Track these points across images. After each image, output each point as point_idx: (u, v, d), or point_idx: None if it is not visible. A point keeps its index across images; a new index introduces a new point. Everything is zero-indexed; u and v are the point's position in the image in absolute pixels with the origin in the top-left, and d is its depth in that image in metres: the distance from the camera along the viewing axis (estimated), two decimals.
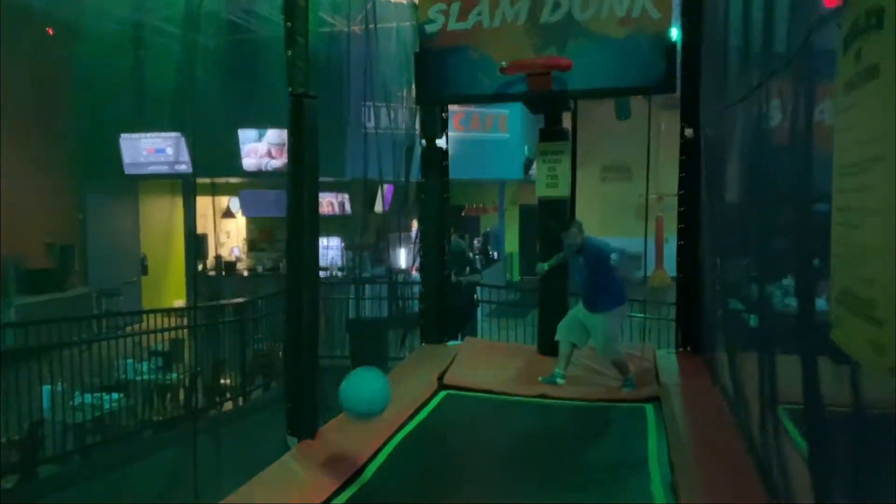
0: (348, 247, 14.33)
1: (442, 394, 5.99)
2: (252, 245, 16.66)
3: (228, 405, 8.41)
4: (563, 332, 6.19)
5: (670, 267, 17.70)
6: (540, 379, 6.09)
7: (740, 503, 3.48)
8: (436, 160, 7.32)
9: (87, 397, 6.90)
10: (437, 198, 7.35)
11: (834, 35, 2.45)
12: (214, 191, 13.77)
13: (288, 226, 4.58)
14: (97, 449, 6.88)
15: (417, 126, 7.56)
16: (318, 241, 4.78)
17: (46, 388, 6.65)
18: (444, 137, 7.38)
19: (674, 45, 6.00)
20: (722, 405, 5.10)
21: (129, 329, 9.43)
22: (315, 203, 4.71)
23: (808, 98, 2.74)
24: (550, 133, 6.86)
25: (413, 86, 6.86)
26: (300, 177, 4.52)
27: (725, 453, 4.17)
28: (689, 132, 6.61)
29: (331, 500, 3.89)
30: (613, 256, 5.88)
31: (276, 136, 13.10)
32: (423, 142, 7.39)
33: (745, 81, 4.25)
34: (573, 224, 6.13)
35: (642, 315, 9.91)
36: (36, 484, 6.22)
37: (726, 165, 5.11)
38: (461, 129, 13.97)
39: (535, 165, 16.21)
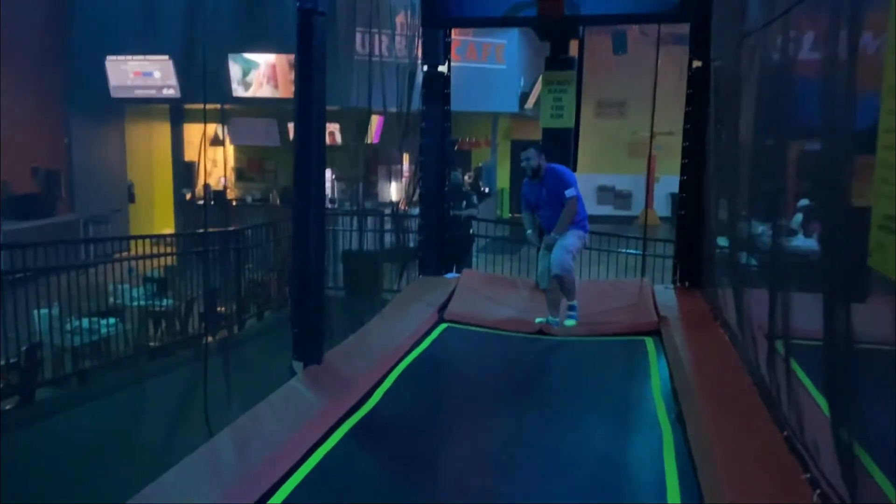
0: (339, 178, 14.16)
1: (443, 326, 5.99)
2: (240, 174, 16.40)
3: (223, 333, 8.40)
4: (545, 281, 5.98)
5: (660, 206, 17.83)
6: (537, 320, 6.06)
7: (748, 433, 3.52)
8: (437, 87, 7.14)
9: (85, 322, 6.85)
10: (439, 127, 7.20)
11: None
12: (195, 117, 13.44)
13: (295, 152, 4.47)
14: (95, 373, 6.87)
15: (418, 52, 7.33)
16: (325, 168, 4.68)
17: (44, 311, 6.59)
18: (446, 64, 7.18)
19: None
20: (724, 338, 5.15)
21: (119, 255, 9.31)
22: (322, 129, 4.58)
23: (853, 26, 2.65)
24: (557, 61, 6.69)
25: (414, 9, 6.64)
26: (308, 100, 4.37)
27: (730, 385, 4.22)
28: (697, 64, 6.48)
29: (341, 424, 3.91)
30: (571, 191, 5.63)
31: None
32: (425, 68, 7.19)
33: (767, 8, 4.13)
34: (532, 147, 5.90)
35: (636, 252, 9.92)
36: (34, 406, 6.21)
37: (741, 99, 5.02)
38: (457, 59, 13.57)
39: (530, 99, 15.95)
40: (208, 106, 12.84)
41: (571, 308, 5.84)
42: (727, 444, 3.38)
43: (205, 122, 5.69)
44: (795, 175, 4.08)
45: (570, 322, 5.81)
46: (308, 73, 4.35)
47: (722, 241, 5.91)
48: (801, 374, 3.42)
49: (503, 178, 19.29)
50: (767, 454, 3.18)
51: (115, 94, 13.11)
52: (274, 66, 12.88)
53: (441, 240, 7.41)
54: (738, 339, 4.73)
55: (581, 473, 3.50)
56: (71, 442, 5.56)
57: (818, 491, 2.70)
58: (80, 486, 4.95)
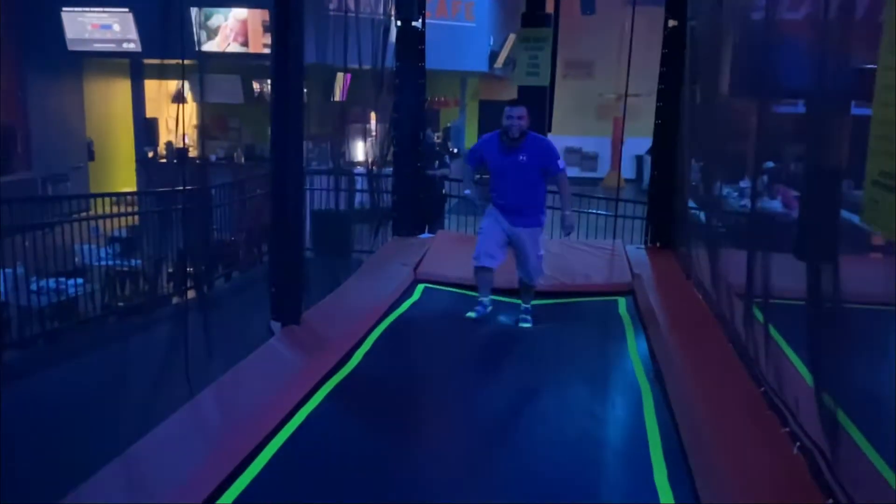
0: (306, 137, 13.90)
1: (420, 287, 5.96)
2: (203, 132, 15.99)
3: (193, 293, 8.27)
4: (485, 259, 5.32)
5: (625, 168, 17.94)
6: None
7: (726, 389, 3.61)
8: (412, 44, 7.01)
9: (52, 282, 6.68)
10: (414, 84, 7.08)
11: None
12: (165, 73, 13.02)
13: (272, 112, 4.39)
14: (62, 334, 6.73)
15: (391, 7, 7.15)
16: (302, 127, 4.59)
17: (8, 271, 6.40)
18: (420, 19, 7.04)
19: None
20: (697, 297, 5.24)
21: (85, 214, 9.06)
22: (300, 85, 4.48)
23: None
24: (533, 18, 6.60)
25: None
26: (285, 58, 4.26)
27: (705, 342, 4.31)
28: (673, 24, 6.46)
29: (322, 384, 3.90)
30: (563, 163, 5.10)
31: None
32: (399, 23, 7.04)
33: None
34: (522, 105, 5.09)
35: (606, 213, 10.01)
36: (1, 368, 6.07)
37: (720, 59, 5.02)
38: (427, 15, 13.32)
39: (499, 58, 15.72)
40: (172, 61, 12.44)
41: (527, 311, 5.33)
42: (706, 400, 3.46)
43: (183, 79, 5.50)
44: (765, 137, 4.12)
45: (525, 325, 5.27)
46: (285, 26, 4.22)
47: (693, 202, 5.99)
48: (773, 332, 3.51)
49: (471, 139, 19.15)
50: (746, 409, 3.26)
51: (71, 47, 12.62)
52: (245, 21, 12.51)
53: (415, 199, 7.35)
54: (712, 297, 4.81)
55: (563, 430, 3.55)
56: (42, 404, 5.45)
57: (798, 444, 2.78)
58: (54, 447, 4.88)
